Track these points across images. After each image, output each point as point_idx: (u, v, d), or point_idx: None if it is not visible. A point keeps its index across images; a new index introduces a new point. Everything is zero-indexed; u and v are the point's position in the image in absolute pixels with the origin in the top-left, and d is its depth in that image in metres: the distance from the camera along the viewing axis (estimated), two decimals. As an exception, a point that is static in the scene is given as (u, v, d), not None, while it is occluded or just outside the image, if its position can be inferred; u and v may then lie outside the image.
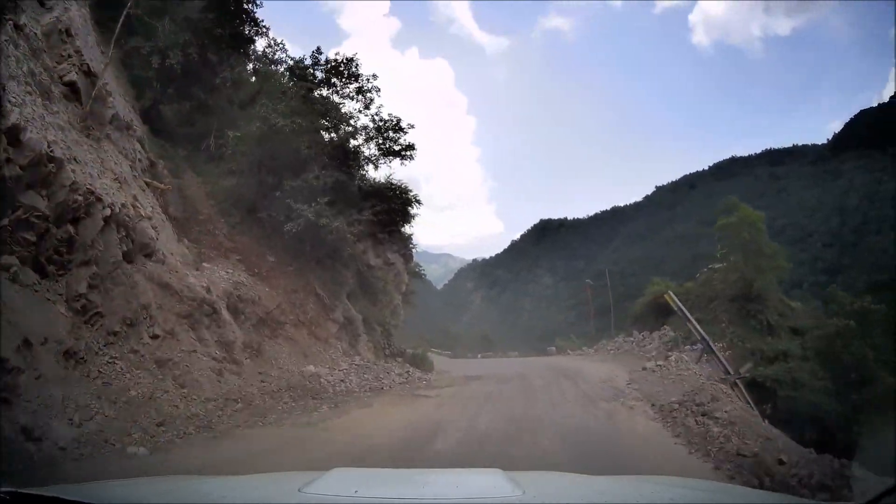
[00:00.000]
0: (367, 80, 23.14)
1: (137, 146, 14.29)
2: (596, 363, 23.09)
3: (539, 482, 3.06)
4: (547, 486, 2.99)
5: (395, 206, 23.79)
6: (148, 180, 14.19)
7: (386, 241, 23.97)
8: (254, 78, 25.34)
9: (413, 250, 28.19)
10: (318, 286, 19.88)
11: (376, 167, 23.98)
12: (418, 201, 24.15)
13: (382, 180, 23.75)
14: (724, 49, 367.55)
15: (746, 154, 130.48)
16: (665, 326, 27.57)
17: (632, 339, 28.98)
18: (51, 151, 8.98)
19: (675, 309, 23.42)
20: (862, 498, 2.58)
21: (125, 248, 10.94)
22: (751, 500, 2.94)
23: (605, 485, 3.13)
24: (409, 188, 23.94)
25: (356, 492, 2.39)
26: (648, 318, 31.15)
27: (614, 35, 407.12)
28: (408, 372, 20.08)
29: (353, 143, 23.15)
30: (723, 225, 30.03)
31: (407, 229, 26.06)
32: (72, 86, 11.18)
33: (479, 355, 46.52)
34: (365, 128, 23.43)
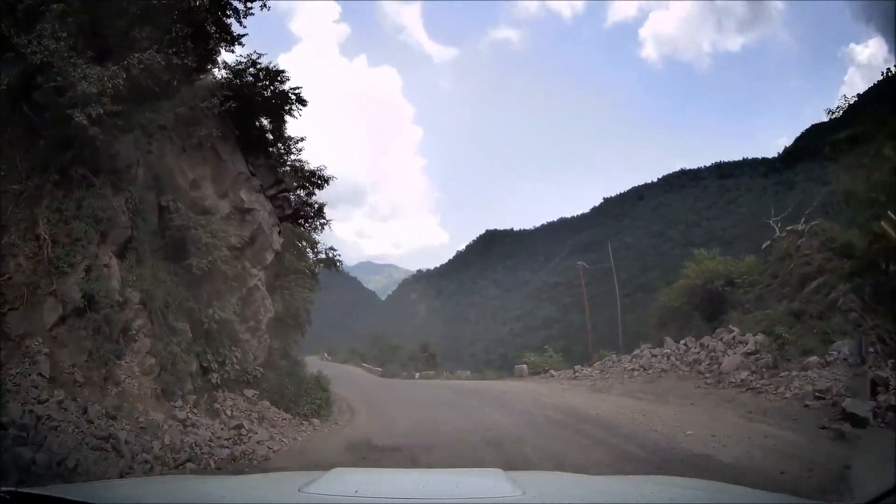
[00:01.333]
0: None
1: None
2: (679, 409, 10.34)
3: (539, 482, 2.96)
4: (547, 486, 2.85)
5: (256, 93, 12.79)
6: None
7: (235, 161, 12.44)
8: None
9: (313, 206, 17.13)
10: (45, 222, 7.92)
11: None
12: (301, 100, 13.45)
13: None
14: (673, 64, 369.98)
15: (696, 167, 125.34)
16: (732, 328, 15.27)
17: (666, 351, 16.52)
18: None
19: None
20: (862, 498, 2.35)
21: None
22: (751, 500, 2.61)
23: (605, 485, 3.00)
24: (286, 73, 13.24)
25: (356, 492, 2.25)
26: (691, 316, 19.34)
27: (564, 47, 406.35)
28: (238, 434, 8.14)
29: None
30: (853, 137, 15.47)
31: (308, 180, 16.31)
32: None
33: (418, 374, 35.24)
34: None
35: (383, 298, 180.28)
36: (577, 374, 19.93)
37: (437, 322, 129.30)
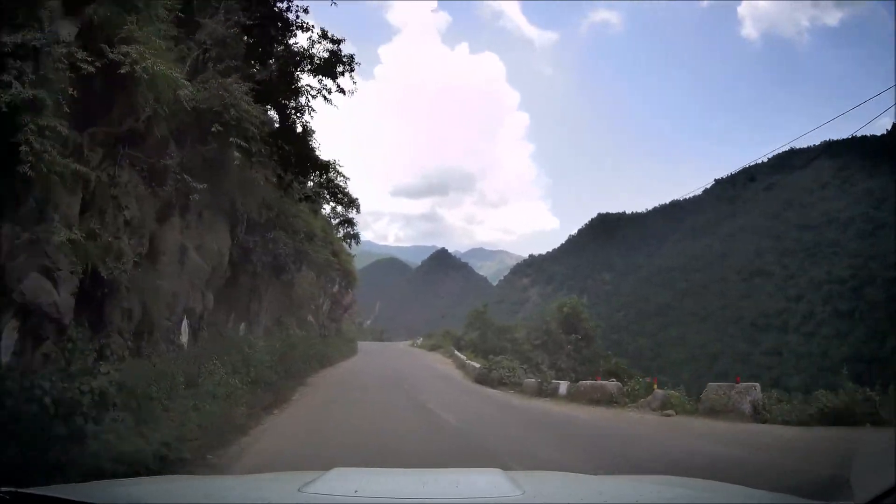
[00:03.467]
0: None
1: None
2: None
3: (539, 482, 3.11)
4: (547, 485, 3.03)
5: None
6: None
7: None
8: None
9: None
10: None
11: None
12: None
13: None
14: (772, 41, 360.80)
15: (806, 146, 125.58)
16: None
17: None
18: None
19: None
20: (862, 498, 2.44)
21: None
22: (751, 500, 2.87)
23: (605, 485, 3.15)
24: None
25: (356, 491, 2.44)
26: None
27: (663, 27, 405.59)
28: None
29: None
30: None
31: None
32: None
33: (564, 385, 18.66)
34: None
35: (494, 284, 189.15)
36: None
37: (550, 307, 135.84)
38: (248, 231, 17.60)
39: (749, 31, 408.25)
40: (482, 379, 23.49)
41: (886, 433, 9.12)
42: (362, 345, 46.95)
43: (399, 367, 29.21)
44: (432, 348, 47.73)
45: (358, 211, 38.18)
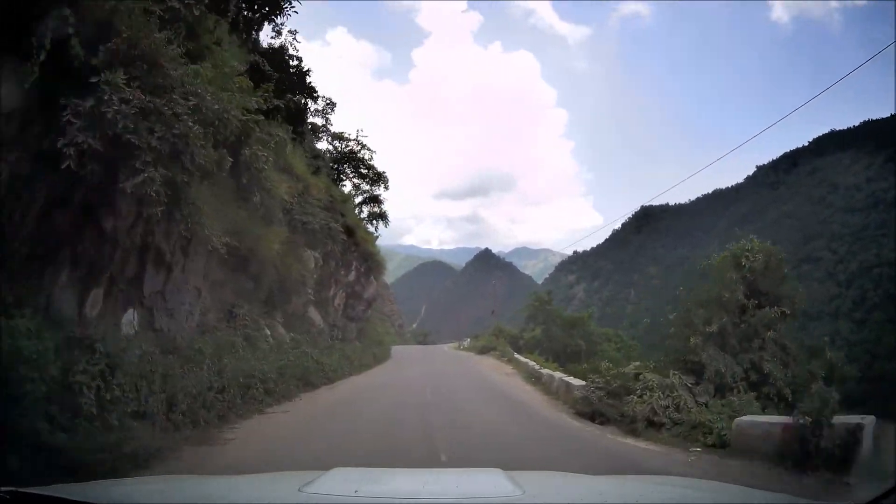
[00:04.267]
0: None
1: None
2: None
3: (539, 482, 3.13)
4: (547, 485, 3.08)
5: None
6: None
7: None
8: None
9: None
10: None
11: None
12: None
13: None
14: (804, 23, 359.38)
15: (846, 127, 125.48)
16: None
17: None
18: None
19: None
20: (862, 498, 2.38)
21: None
22: (751, 500, 2.86)
23: (606, 485, 3.21)
24: None
25: (356, 491, 2.48)
26: None
27: (692, 15, 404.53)
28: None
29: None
30: None
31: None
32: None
33: (868, 426, 7.14)
34: None
35: (539, 283, 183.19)
36: None
37: (596, 303, 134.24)
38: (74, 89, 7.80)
39: (779, 14, 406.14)
40: (595, 411, 12.68)
41: None
42: (398, 350, 40.41)
43: (436, 384, 19.92)
44: (482, 351, 38.25)
45: (387, 187, 35.69)
